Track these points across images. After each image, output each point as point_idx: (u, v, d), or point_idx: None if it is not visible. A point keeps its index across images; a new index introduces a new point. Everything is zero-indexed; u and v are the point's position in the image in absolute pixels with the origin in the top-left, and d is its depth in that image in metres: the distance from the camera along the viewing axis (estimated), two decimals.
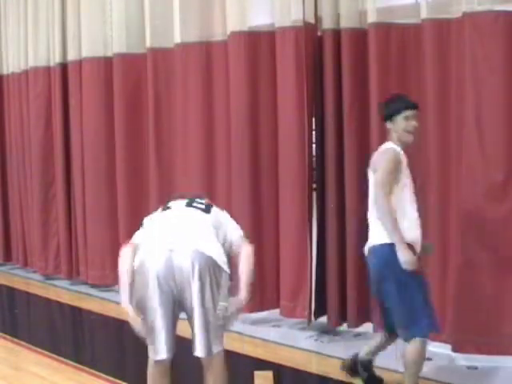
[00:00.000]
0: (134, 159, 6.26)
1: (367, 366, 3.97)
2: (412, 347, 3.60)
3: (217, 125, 5.61)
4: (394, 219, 3.55)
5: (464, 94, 4.23)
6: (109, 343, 5.26)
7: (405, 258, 3.50)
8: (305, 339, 4.94)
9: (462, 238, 4.25)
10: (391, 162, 3.63)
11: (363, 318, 4.76)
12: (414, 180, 3.76)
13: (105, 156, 6.44)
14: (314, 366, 4.60)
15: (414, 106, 3.76)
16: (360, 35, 4.77)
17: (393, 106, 3.80)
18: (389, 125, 3.78)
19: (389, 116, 3.77)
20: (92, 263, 6.63)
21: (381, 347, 3.98)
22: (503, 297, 4.17)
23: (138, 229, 3.56)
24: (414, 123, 3.72)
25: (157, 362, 3.33)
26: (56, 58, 6.92)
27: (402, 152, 3.70)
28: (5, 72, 7.73)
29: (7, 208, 7.86)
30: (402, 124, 3.71)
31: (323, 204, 4.95)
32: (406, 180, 3.68)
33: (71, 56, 6.76)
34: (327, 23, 4.90)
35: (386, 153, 3.70)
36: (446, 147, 4.41)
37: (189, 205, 3.50)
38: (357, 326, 4.86)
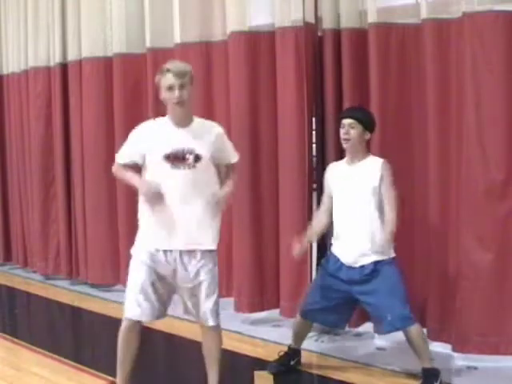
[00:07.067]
0: None
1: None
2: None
3: None
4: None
5: (464, 93, 4.23)
6: (109, 343, 5.25)
7: None
8: (305, 339, 4.93)
9: (462, 237, 4.25)
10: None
11: (363, 318, 4.75)
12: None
13: (105, 156, 6.41)
14: (314, 366, 4.59)
15: (346, 115, 4.13)
16: (360, 35, 4.76)
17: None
18: None
19: None
20: (92, 263, 6.62)
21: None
22: (504, 297, 4.17)
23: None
24: (344, 131, 4.06)
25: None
26: (56, 58, 6.91)
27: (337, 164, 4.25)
28: (5, 72, 7.72)
29: (7, 208, 7.86)
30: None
31: None
32: (335, 192, 4.15)
33: (71, 56, 6.75)
34: (327, 23, 4.89)
35: None
36: (446, 147, 4.41)
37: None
38: (357, 326, 4.86)
